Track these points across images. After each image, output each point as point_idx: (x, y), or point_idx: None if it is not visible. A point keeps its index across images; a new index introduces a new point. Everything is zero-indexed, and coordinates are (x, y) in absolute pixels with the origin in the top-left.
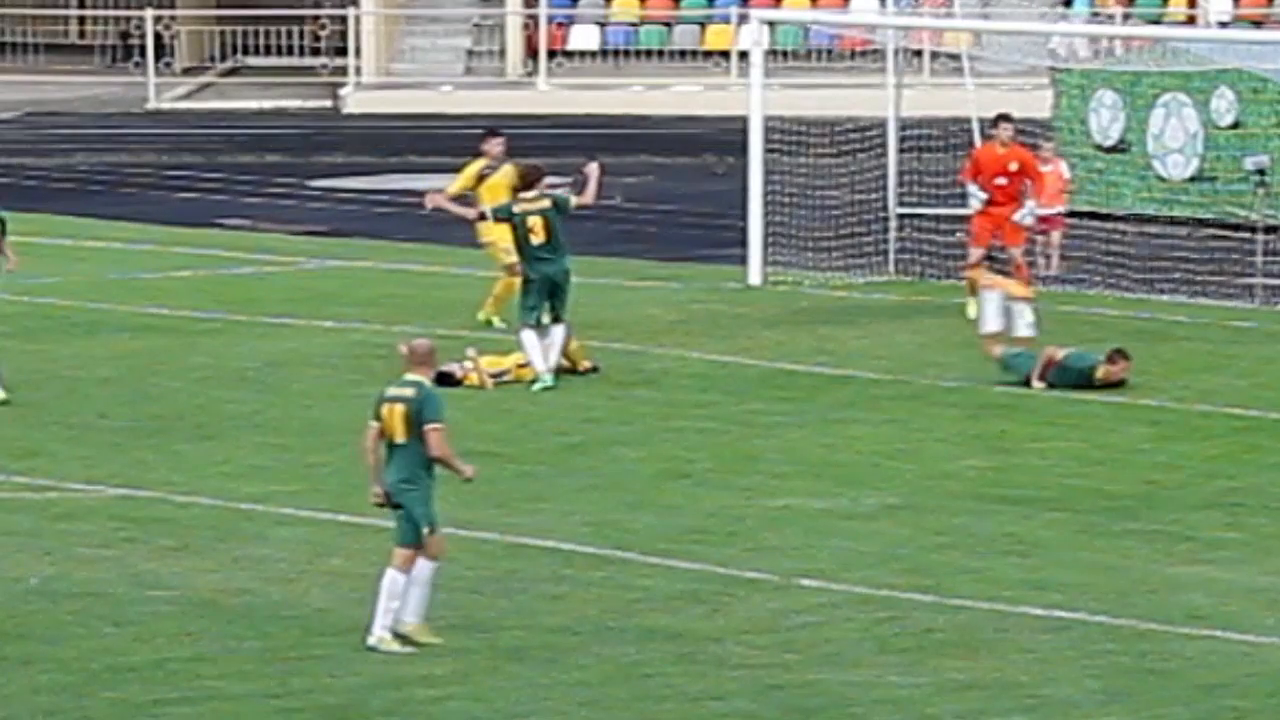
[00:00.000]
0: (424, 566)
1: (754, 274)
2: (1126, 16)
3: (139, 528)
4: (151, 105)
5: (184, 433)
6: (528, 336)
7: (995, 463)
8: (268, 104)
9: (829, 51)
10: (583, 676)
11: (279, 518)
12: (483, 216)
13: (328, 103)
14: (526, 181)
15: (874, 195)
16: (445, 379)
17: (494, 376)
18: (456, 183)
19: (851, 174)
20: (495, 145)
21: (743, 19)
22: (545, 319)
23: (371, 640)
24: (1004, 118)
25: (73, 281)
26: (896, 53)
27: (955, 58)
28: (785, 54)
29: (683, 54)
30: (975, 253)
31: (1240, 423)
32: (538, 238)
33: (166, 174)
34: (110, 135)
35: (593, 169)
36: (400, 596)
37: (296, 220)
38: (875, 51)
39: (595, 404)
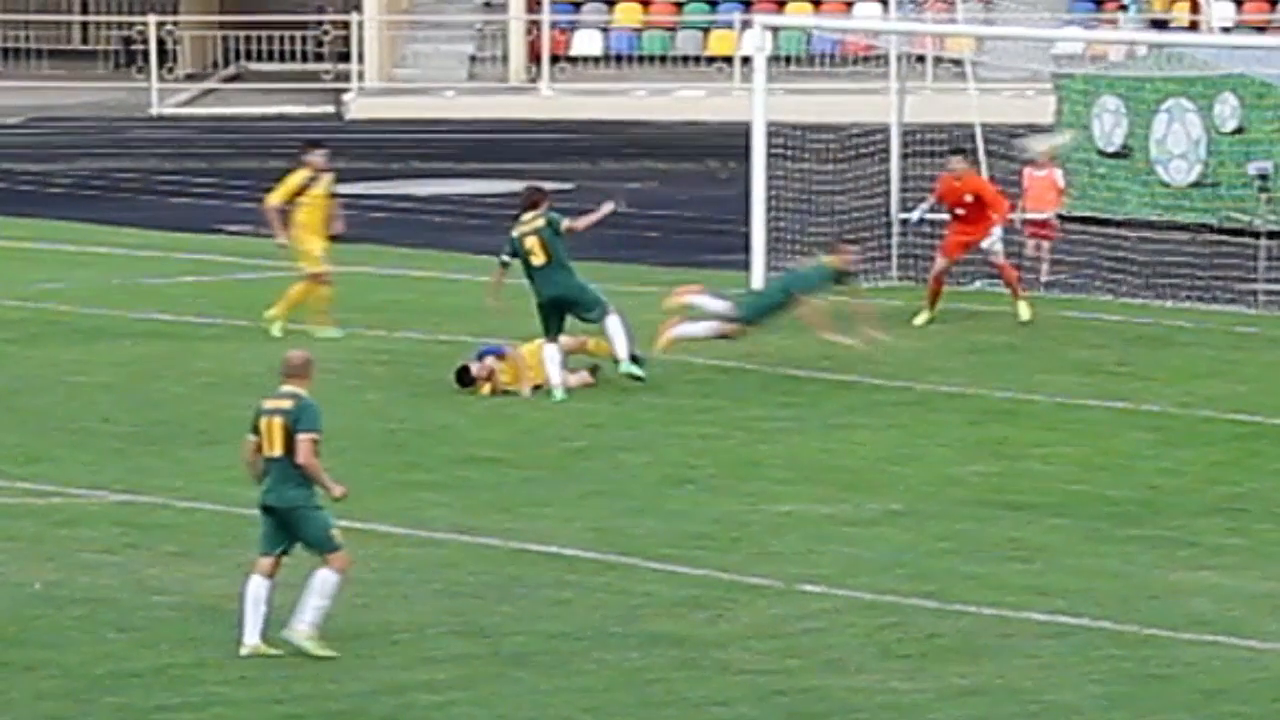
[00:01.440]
0: (329, 578)
1: (757, 279)
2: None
3: (142, 533)
4: (155, 111)
5: (187, 438)
6: (549, 350)
7: (998, 468)
8: (270, 110)
9: (832, 57)
10: (586, 682)
11: None
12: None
13: (330, 108)
14: (528, 203)
15: (877, 201)
16: (463, 377)
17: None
18: (279, 192)
19: (854, 180)
20: (317, 156)
21: (746, 24)
22: (563, 337)
23: (245, 651)
24: (956, 151)
25: (75, 287)
26: (899, 58)
27: (958, 63)
28: (788, 59)
29: (685, 59)
30: (941, 262)
31: (1243, 428)
32: (537, 259)
33: (169, 179)
34: (113, 141)
35: (606, 207)
36: (266, 602)
37: None
38: (878, 57)
39: (599, 410)
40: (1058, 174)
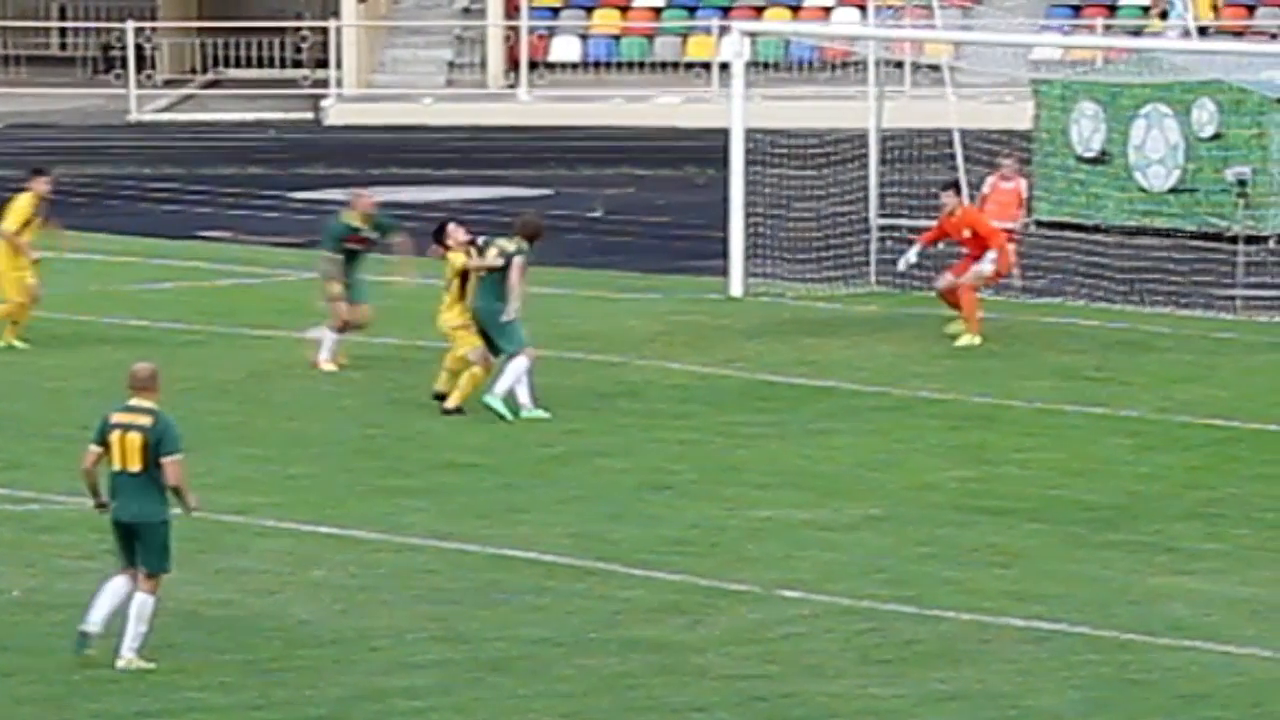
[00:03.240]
0: (146, 603)
1: (735, 285)
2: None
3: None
4: (133, 117)
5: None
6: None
7: (977, 474)
8: (249, 116)
9: (810, 63)
10: (565, 688)
11: (260, 529)
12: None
13: (309, 114)
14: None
15: (855, 206)
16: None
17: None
18: (11, 219)
19: (833, 186)
20: (42, 183)
21: (724, 30)
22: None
23: (121, 664)
24: (948, 187)
25: (54, 293)
26: (877, 64)
27: (936, 69)
28: (767, 65)
29: (664, 65)
30: (946, 278)
31: (1221, 433)
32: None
33: (148, 186)
34: (92, 147)
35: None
36: (120, 597)
37: (278, 232)
38: (856, 63)
39: (577, 415)
40: (1023, 185)
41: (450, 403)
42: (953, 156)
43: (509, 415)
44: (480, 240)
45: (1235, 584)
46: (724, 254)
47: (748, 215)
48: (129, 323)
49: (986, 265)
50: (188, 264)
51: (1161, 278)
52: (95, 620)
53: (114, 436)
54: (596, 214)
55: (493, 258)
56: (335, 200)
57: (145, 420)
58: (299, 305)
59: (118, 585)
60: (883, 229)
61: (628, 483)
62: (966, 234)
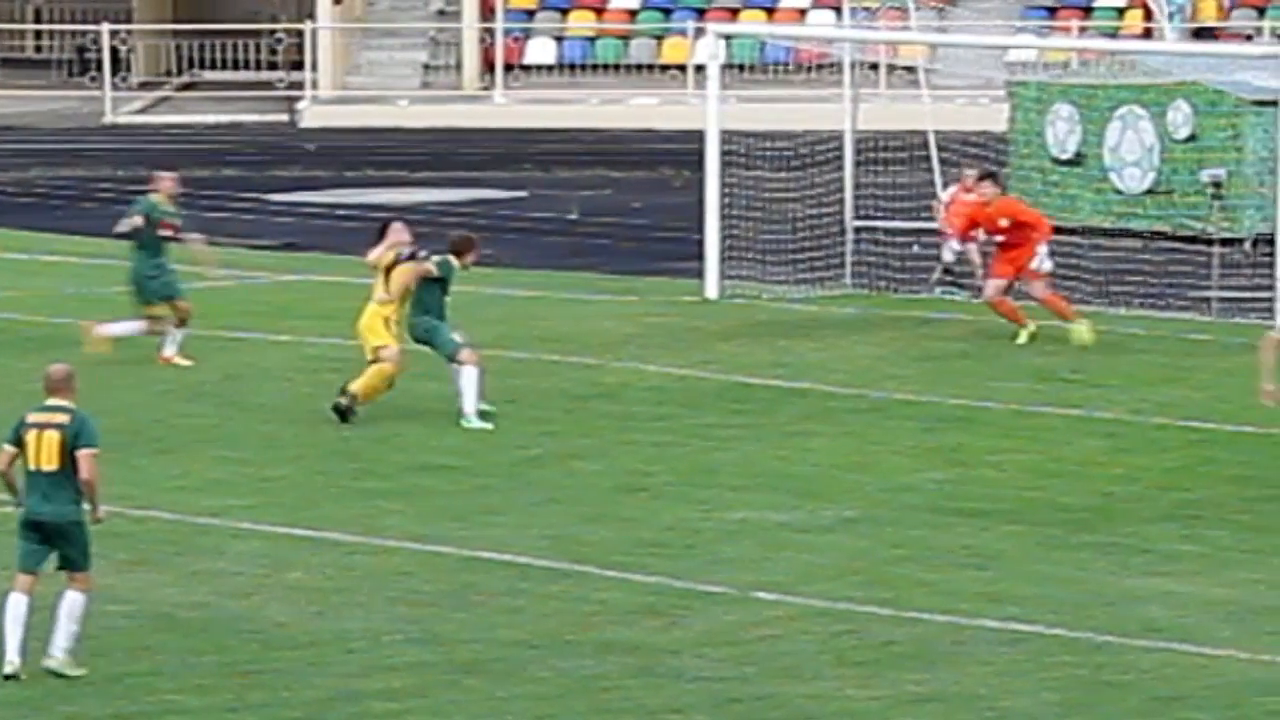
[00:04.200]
0: (78, 600)
1: (711, 287)
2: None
3: (96, 542)
4: (108, 119)
5: (141, 447)
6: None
7: (952, 475)
8: (224, 118)
9: (785, 65)
10: (540, 690)
11: (236, 531)
12: None
13: (284, 117)
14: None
15: (831, 209)
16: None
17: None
18: None
19: (808, 188)
20: None
21: (699, 32)
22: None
23: (51, 664)
24: (986, 176)
25: (29, 296)
26: (852, 66)
27: (912, 70)
28: (742, 67)
29: (639, 68)
30: (995, 284)
31: (1196, 435)
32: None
33: (123, 188)
34: (67, 149)
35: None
36: (26, 622)
37: (253, 234)
38: (832, 65)
39: (552, 417)
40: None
41: (353, 386)
42: (928, 158)
43: (490, 425)
44: (422, 254)
45: (1211, 585)
46: (699, 255)
47: (723, 217)
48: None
49: (1045, 263)
50: None
51: (1137, 280)
52: (13, 658)
53: (30, 435)
54: (572, 216)
55: (430, 266)
56: (313, 203)
57: (63, 418)
58: (275, 308)
59: (19, 609)
60: (858, 231)
61: (603, 485)
62: (1004, 223)
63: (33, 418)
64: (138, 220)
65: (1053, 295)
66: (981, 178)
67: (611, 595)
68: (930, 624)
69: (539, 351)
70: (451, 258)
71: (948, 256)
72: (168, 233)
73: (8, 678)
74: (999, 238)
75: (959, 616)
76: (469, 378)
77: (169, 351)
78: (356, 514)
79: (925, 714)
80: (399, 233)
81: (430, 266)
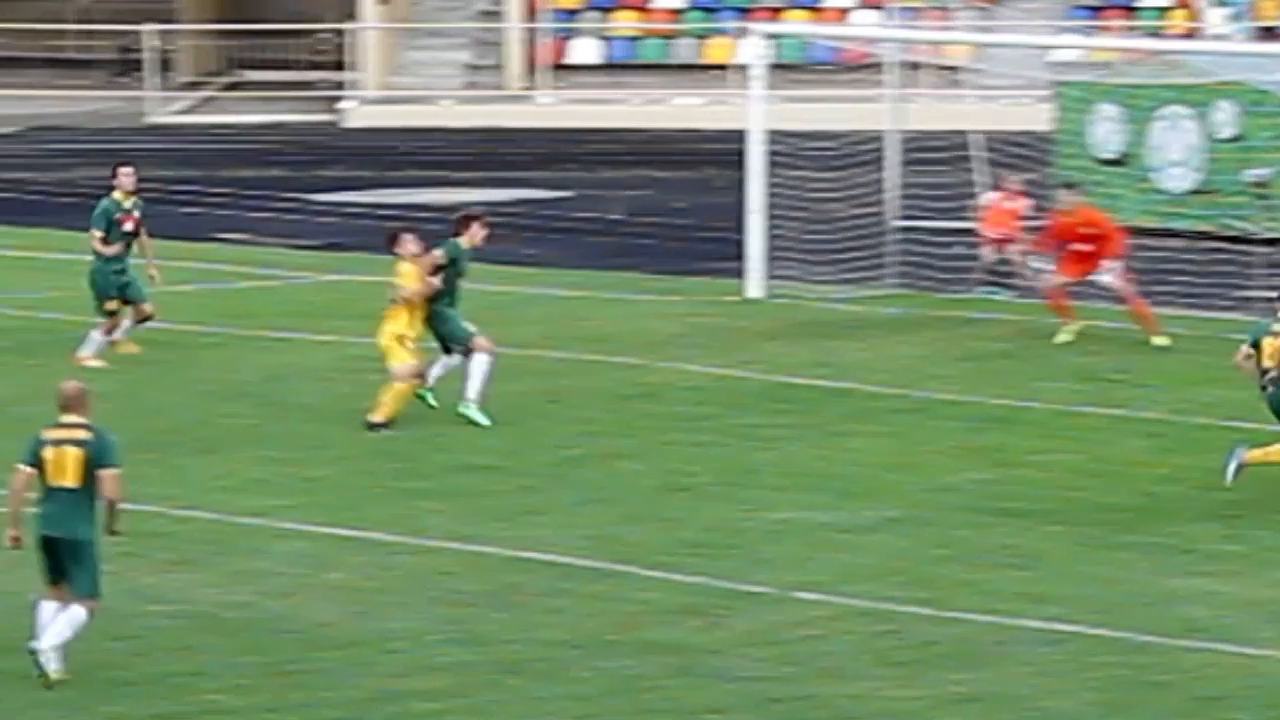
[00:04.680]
0: (79, 614)
1: (754, 287)
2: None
3: (138, 542)
4: (152, 119)
5: (184, 447)
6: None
7: (995, 475)
8: (267, 118)
9: (829, 64)
10: (582, 690)
11: (278, 531)
12: None
13: (327, 117)
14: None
15: (874, 208)
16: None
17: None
18: None
19: (852, 187)
20: None
21: (743, 32)
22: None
23: (34, 645)
24: (1068, 185)
25: (73, 296)
26: (896, 66)
27: (955, 70)
28: (785, 67)
29: (683, 67)
30: (1056, 279)
31: (1239, 435)
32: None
33: (167, 188)
34: (111, 149)
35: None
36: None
37: (297, 234)
38: (875, 65)
39: (595, 417)
40: (1024, 205)
41: (375, 417)
42: (975, 158)
43: (488, 421)
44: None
45: (1253, 586)
46: (739, 256)
47: (767, 217)
48: (148, 325)
49: (1115, 279)
50: (207, 266)
51: (1181, 280)
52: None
53: (49, 452)
54: (617, 216)
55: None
56: (356, 203)
57: (84, 435)
58: (318, 308)
59: (49, 613)
60: (901, 230)
61: (645, 484)
62: (1084, 232)
63: (50, 434)
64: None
65: (1138, 301)
66: (1065, 186)
67: (653, 595)
68: (972, 624)
69: (582, 351)
70: (456, 239)
71: (989, 257)
72: (129, 226)
73: (33, 653)
74: (1074, 248)
75: (1001, 616)
76: (481, 363)
77: (85, 352)
78: (398, 514)
79: (967, 714)
80: (408, 244)
81: (436, 255)
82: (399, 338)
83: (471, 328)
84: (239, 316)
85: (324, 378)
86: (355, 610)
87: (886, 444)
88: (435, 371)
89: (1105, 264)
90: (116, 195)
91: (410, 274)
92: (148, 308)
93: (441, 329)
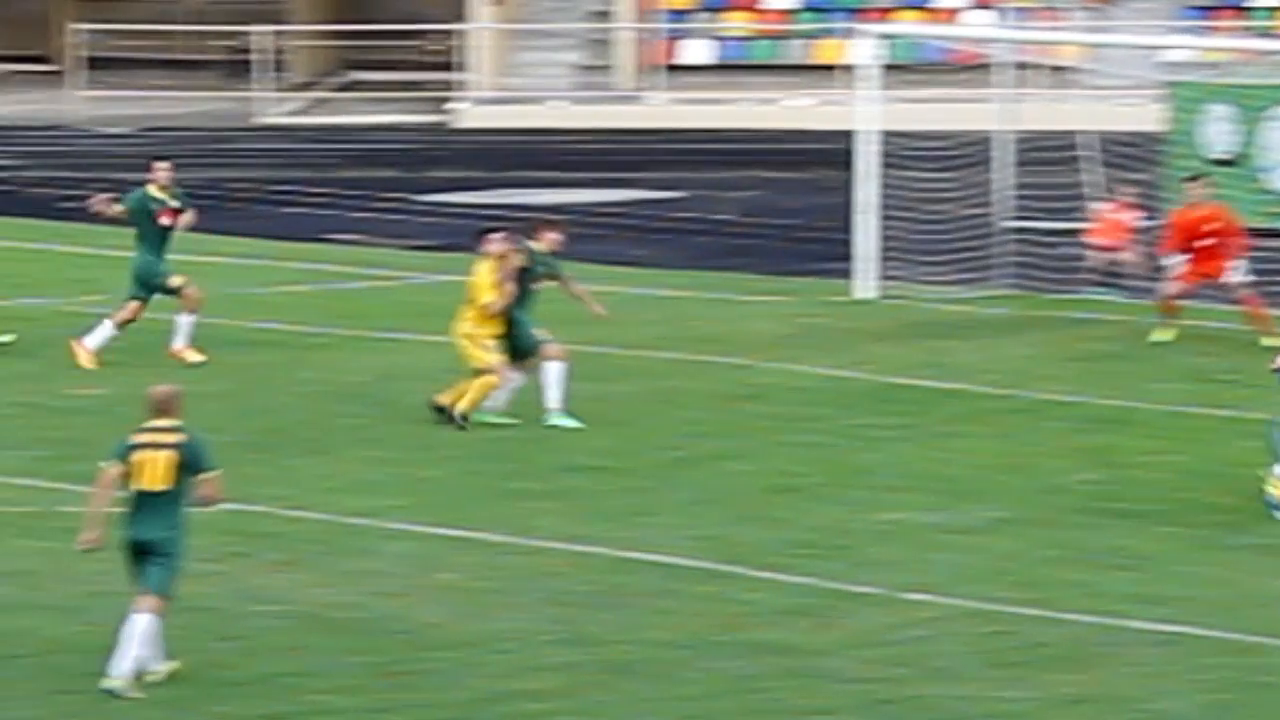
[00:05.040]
0: (153, 624)
1: (863, 287)
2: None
3: (248, 542)
4: (263, 120)
5: (293, 447)
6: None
7: (1106, 476)
8: (379, 119)
9: (940, 65)
10: (690, 691)
11: (388, 532)
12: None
13: (438, 118)
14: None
15: (983, 209)
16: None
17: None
18: None
19: (960, 188)
20: None
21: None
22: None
23: (111, 685)
24: (1193, 178)
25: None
26: (1009, 66)
27: (1066, 70)
28: (896, 67)
29: (793, 68)
30: (1176, 286)
31: None
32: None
33: (278, 189)
34: (222, 150)
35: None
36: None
37: (406, 235)
38: (985, 65)
39: (705, 419)
40: (1136, 217)
41: (459, 407)
42: (1085, 158)
43: (578, 422)
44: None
45: None
46: (847, 256)
47: (877, 218)
48: (259, 325)
49: (1240, 274)
50: (316, 267)
51: None
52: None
53: (140, 456)
54: (727, 216)
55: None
56: (462, 204)
57: (176, 438)
58: (429, 308)
59: (136, 627)
60: (1013, 231)
61: (754, 485)
62: (1211, 227)
63: (141, 438)
64: (118, 207)
65: (1255, 301)
66: (1189, 179)
67: (761, 596)
68: (1081, 625)
69: (691, 352)
70: (531, 243)
71: (1099, 260)
72: (167, 220)
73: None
74: (1198, 244)
75: (1110, 617)
76: (554, 371)
77: (179, 344)
78: (507, 514)
79: (1076, 716)
80: (491, 243)
81: (516, 259)
82: (471, 336)
83: (541, 335)
84: (348, 317)
85: (433, 378)
86: (464, 611)
87: (996, 445)
88: (502, 396)
89: (1229, 264)
90: (150, 189)
91: (487, 276)
92: (140, 311)
93: (511, 335)
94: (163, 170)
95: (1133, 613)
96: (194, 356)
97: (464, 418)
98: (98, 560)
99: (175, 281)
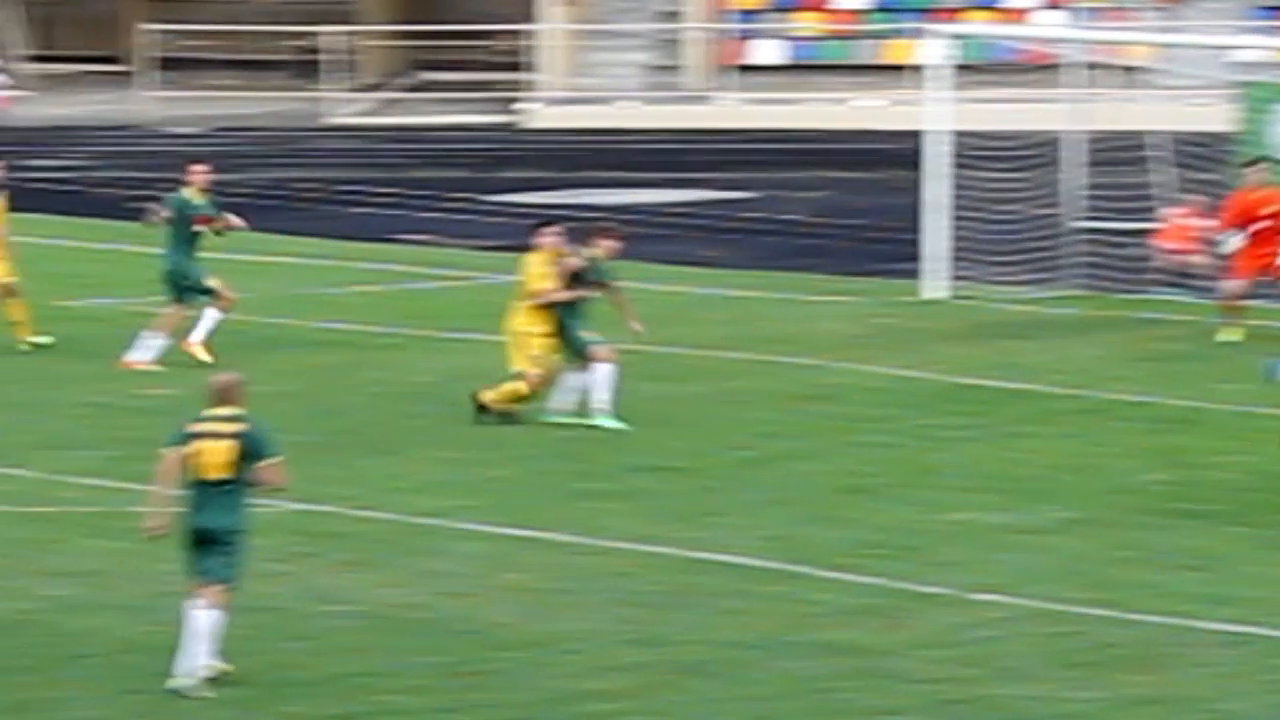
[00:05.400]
0: (219, 619)
1: (933, 288)
2: None
3: (317, 542)
4: (332, 120)
5: (362, 447)
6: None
7: (1175, 476)
8: (448, 119)
9: (1010, 64)
10: (760, 691)
11: (457, 532)
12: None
13: (507, 118)
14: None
15: (1052, 209)
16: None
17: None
18: None
19: (1030, 188)
20: None
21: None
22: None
23: (186, 684)
24: (1252, 162)
25: (255, 296)
26: (1079, 66)
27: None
28: (966, 67)
29: (863, 68)
30: (1236, 284)
31: None
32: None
33: (347, 189)
34: (291, 150)
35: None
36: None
37: (476, 235)
38: (1055, 65)
39: (774, 419)
40: (1205, 225)
41: (485, 397)
42: (1155, 159)
43: (623, 424)
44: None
45: None
46: (917, 256)
47: (947, 218)
48: (328, 326)
49: (1227, 244)
50: (385, 267)
51: None
52: (185, 670)
53: (199, 445)
54: (797, 217)
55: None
56: (531, 204)
57: (237, 427)
58: (496, 308)
59: (198, 622)
60: (1083, 231)
61: (824, 486)
62: (1270, 210)
63: (201, 427)
64: (165, 213)
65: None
66: (1247, 164)
67: (831, 596)
68: (1151, 626)
69: (760, 352)
70: (585, 250)
71: (1168, 262)
72: (202, 227)
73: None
74: (1254, 227)
75: (1180, 618)
76: (603, 373)
77: (196, 338)
78: (576, 514)
79: (1146, 716)
80: (546, 236)
81: (572, 261)
82: (521, 335)
83: (591, 336)
84: (417, 317)
85: (501, 378)
86: (533, 611)
87: (1065, 445)
88: (567, 398)
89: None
90: (186, 192)
91: (538, 267)
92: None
93: (563, 335)
94: (200, 173)
95: (1202, 613)
96: (203, 355)
97: (483, 409)
98: (166, 560)
99: (212, 282)
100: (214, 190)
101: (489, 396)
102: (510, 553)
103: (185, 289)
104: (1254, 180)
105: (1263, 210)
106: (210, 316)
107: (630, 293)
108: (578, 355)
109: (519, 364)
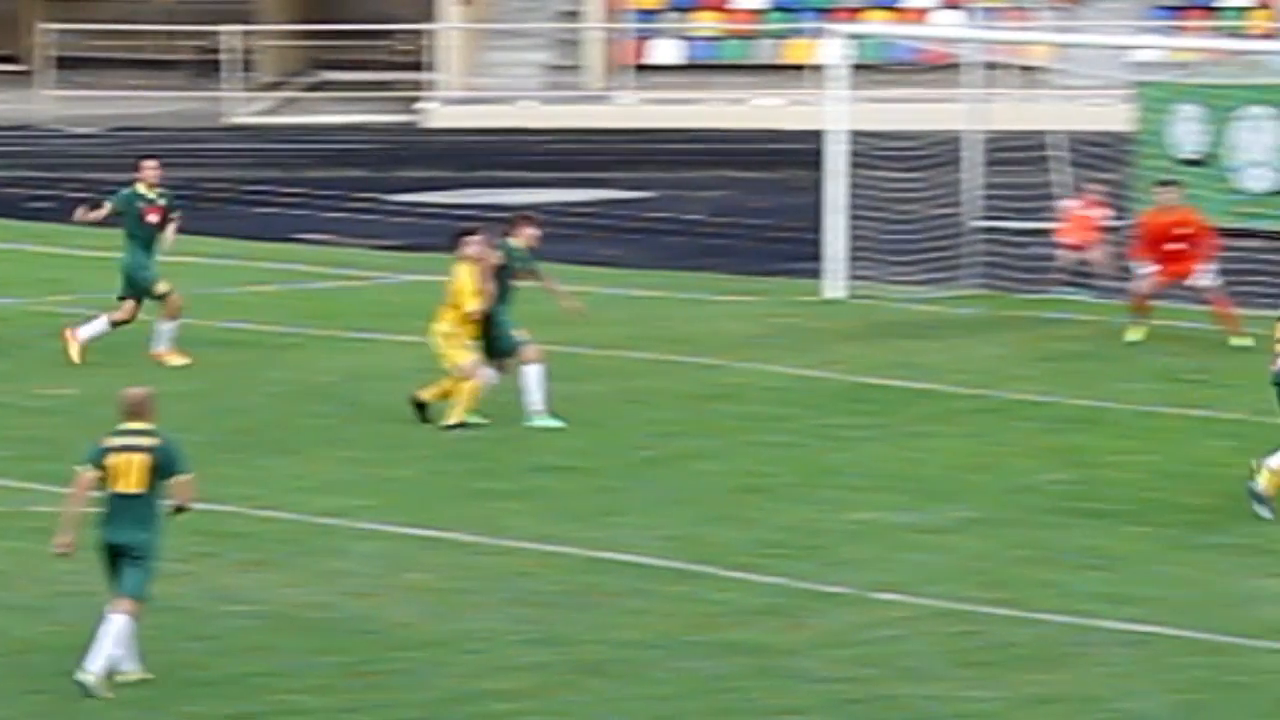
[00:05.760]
0: (127, 625)
1: (833, 288)
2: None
3: (217, 542)
4: (233, 120)
5: (264, 447)
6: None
7: (1075, 476)
8: (348, 119)
9: (909, 65)
10: (661, 690)
11: (358, 532)
12: None
13: (407, 117)
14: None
15: (953, 208)
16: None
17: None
18: None
19: (929, 188)
20: None
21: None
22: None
23: (85, 678)
24: (1167, 183)
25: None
26: (978, 66)
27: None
28: (865, 67)
29: (763, 68)
30: (1148, 284)
31: None
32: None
33: (247, 189)
34: (192, 150)
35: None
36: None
37: (376, 235)
38: (955, 65)
39: (675, 418)
40: (1104, 214)
41: (451, 419)
42: (1054, 158)
43: (561, 423)
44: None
45: None
46: (817, 256)
47: (846, 218)
48: (229, 325)
49: (1208, 277)
50: (286, 266)
51: (1260, 280)
52: (91, 668)
53: (114, 459)
54: (697, 216)
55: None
56: (432, 204)
57: (150, 441)
58: (398, 308)
59: (111, 626)
60: (983, 231)
61: (725, 485)
62: (1182, 232)
63: (114, 441)
64: (108, 210)
65: (1222, 302)
66: (1161, 184)
67: (732, 596)
68: (1051, 625)
69: (661, 352)
70: (508, 240)
71: (1068, 260)
72: (154, 219)
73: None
74: (1167, 248)
75: (1080, 617)
76: (533, 374)
77: (161, 347)
78: (477, 514)
79: (1046, 715)
80: (469, 246)
81: (494, 258)
82: (449, 336)
83: (520, 337)
84: (318, 317)
85: (403, 378)
86: (434, 610)
87: (966, 444)
88: (534, 397)
89: (1200, 267)
90: (139, 187)
91: (466, 280)
92: (135, 311)
93: (491, 335)
94: (150, 169)
95: (1102, 612)
96: (177, 360)
97: (461, 425)
98: (67, 560)
99: (161, 288)
100: (164, 185)
101: (455, 418)
102: (411, 552)
103: (139, 289)
104: (1166, 201)
105: (1176, 231)
106: (165, 327)
107: (532, 294)
108: (508, 354)
109: (451, 361)
